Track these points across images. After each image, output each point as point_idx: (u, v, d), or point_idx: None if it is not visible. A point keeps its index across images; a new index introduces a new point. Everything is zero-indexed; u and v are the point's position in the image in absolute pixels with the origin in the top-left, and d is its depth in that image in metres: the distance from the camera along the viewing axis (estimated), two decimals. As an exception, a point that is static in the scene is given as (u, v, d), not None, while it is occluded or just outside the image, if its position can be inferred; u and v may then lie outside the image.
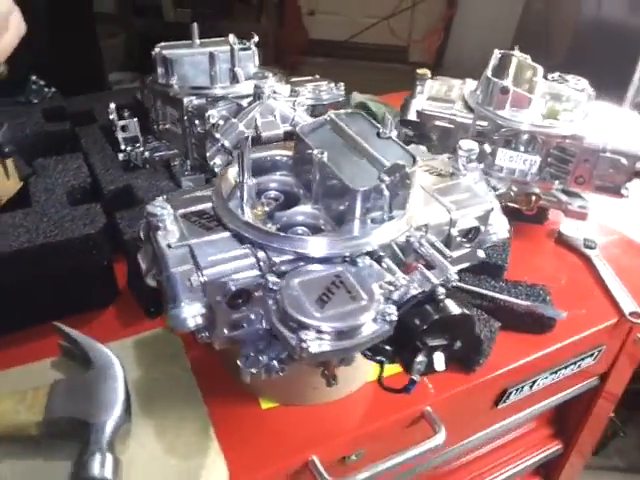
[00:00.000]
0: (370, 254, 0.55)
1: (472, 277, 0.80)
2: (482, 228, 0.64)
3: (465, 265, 0.67)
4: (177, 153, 0.89)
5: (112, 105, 0.88)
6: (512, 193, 0.89)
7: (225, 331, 0.55)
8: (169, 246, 0.54)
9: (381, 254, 0.56)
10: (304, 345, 0.47)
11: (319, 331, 0.48)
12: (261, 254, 0.54)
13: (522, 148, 0.90)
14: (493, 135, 0.89)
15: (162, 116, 0.90)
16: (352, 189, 0.55)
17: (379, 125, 0.63)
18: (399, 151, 0.59)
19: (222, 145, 0.76)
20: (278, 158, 0.65)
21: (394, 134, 0.62)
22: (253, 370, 0.56)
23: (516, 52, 0.93)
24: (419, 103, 0.94)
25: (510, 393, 0.83)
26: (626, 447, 1.89)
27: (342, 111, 0.66)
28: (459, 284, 0.79)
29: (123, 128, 0.89)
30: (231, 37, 0.85)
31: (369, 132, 0.62)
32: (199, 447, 0.56)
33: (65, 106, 0.99)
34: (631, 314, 0.82)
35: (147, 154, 0.87)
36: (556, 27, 2.51)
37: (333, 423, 0.67)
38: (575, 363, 0.87)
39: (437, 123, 0.92)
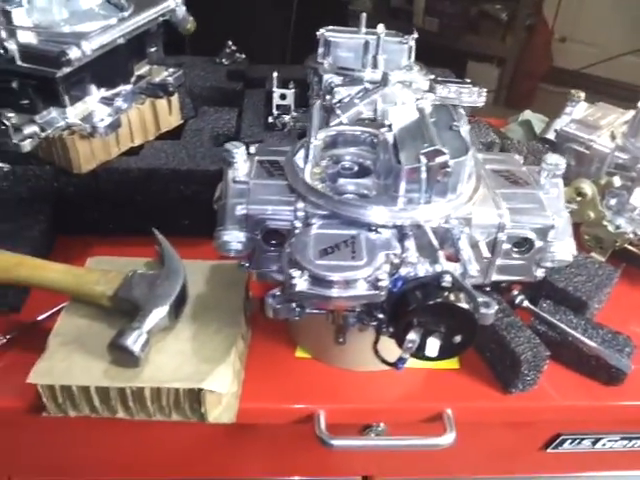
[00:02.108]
0: (399, 229, 0.58)
1: (550, 305, 0.76)
2: (538, 243, 0.62)
3: (515, 278, 0.66)
4: (315, 126, 0.98)
5: (275, 74, 1.01)
6: (632, 236, 0.81)
7: (262, 265, 0.63)
8: (234, 180, 0.64)
9: (408, 232, 0.58)
10: (293, 282, 0.52)
11: (311, 275, 0.53)
12: (300, 204, 0.60)
13: (664, 191, 0.81)
14: (632, 170, 0.83)
15: (315, 91, 1.00)
16: (396, 165, 0.58)
17: (456, 120, 0.64)
18: (459, 142, 0.61)
19: (340, 121, 0.84)
20: (364, 134, 0.70)
21: (465, 128, 0.63)
22: (277, 306, 0.63)
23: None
24: (562, 122, 0.90)
25: (564, 440, 0.77)
26: None
27: (433, 102, 0.68)
28: (529, 306, 0.76)
29: (282, 96, 1.01)
30: (380, 27, 0.91)
31: (445, 123, 0.65)
32: (217, 356, 0.65)
33: (247, 71, 1.15)
34: None
35: (291, 121, 0.98)
36: None
37: (352, 390, 0.71)
38: (657, 436, 0.77)
39: (574, 146, 0.88)
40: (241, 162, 0.65)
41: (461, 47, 3.38)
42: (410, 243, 0.57)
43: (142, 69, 0.91)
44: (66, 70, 0.73)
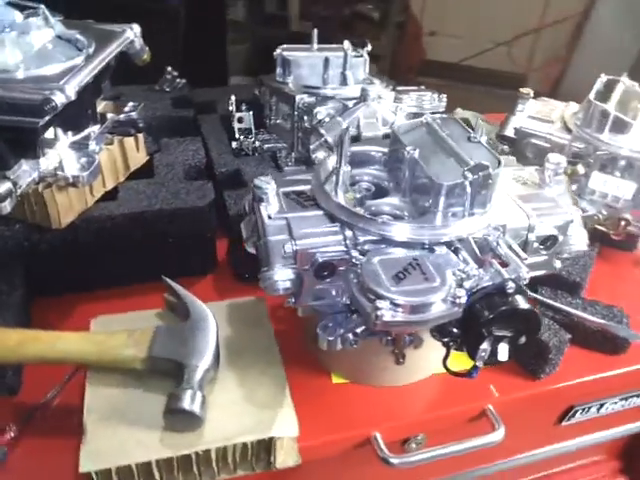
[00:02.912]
0: (448, 245, 0.60)
1: (549, 291, 0.82)
2: (560, 237, 0.66)
3: (541, 272, 0.70)
4: (284, 146, 0.98)
5: (232, 97, 0.99)
6: (600, 216, 0.90)
7: (309, 300, 0.62)
8: (269, 217, 0.62)
9: (458, 246, 0.60)
10: (379, 313, 0.52)
11: (393, 303, 0.53)
12: (348, 233, 0.60)
13: (618, 173, 0.90)
14: (589, 158, 0.91)
15: (275, 111, 0.99)
16: (437, 183, 0.60)
17: (470, 130, 0.67)
18: (486, 154, 0.63)
19: (325, 140, 0.84)
20: (373, 153, 0.71)
21: (484, 139, 0.66)
22: (330, 338, 0.62)
23: (624, 78, 0.93)
24: (518, 120, 0.96)
25: (576, 411, 0.83)
26: None
27: (438, 115, 0.71)
28: (535, 295, 0.81)
29: (239, 119, 0.99)
30: (346, 43, 0.92)
31: (461, 136, 0.67)
32: (275, 400, 0.63)
33: (191, 96, 1.11)
34: None
35: (257, 144, 0.96)
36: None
37: (397, 405, 0.71)
38: (649, 392, 0.86)
39: (533, 141, 0.95)
40: (272, 197, 0.63)
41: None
42: (465, 256, 0.59)
43: (99, 106, 0.84)
44: (47, 118, 0.67)
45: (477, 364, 0.58)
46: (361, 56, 0.98)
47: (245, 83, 3.31)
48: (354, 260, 0.58)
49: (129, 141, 0.85)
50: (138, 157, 0.88)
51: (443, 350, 0.69)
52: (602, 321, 0.77)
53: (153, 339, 0.64)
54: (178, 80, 1.11)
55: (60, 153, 0.75)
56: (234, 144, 0.98)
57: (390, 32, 3.56)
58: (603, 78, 0.94)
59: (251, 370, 0.66)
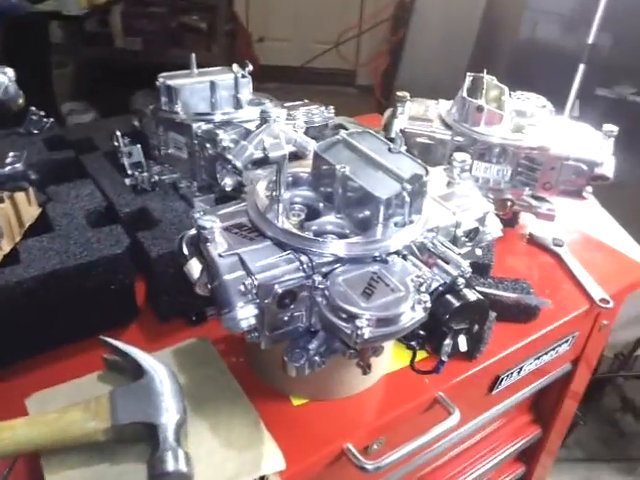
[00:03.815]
0: (396, 253, 0.63)
1: (464, 276, 0.89)
2: (481, 228, 0.73)
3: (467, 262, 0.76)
4: (182, 176, 0.94)
5: (118, 132, 0.93)
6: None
7: (271, 330, 0.62)
8: (220, 255, 0.60)
9: (405, 253, 0.63)
10: (359, 332, 0.54)
11: (368, 319, 0.55)
12: (303, 258, 0.60)
13: (494, 160, 1.00)
14: (469, 149, 1.00)
15: (164, 142, 0.96)
16: (377, 197, 0.62)
17: (388, 142, 0.71)
18: (411, 163, 0.68)
19: (234, 166, 0.83)
20: (300, 175, 0.72)
21: (403, 149, 0.70)
22: (297, 364, 0.62)
23: (485, 74, 1.04)
24: (401, 122, 1.03)
25: (502, 379, 0.92)
26: (585, 438, 2.03)
27: (353, 130, 0.74)
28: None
29: (129, 154, 0.94)
30: (235, 66, 0.92)
31: (380, 148, 0.71)
32: (253, 438, 0.62)
33: (64, 135, 1.03)
34: (600, 300, 0.93)
35: (157, 177, 0.92)
36: (497, 47, 2.71)
37: (360, 413, 0.74)
38: (554, 349, 0.97)
39: (418, 140, 1.02)
40: (218, 235, 0.61)
41: (168, 61, 3.40)
42: (415, 261, 0.62)
43: (-26, 161, 0.76)
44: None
45: (443, 359, 0.62)
46: (245, 77, 0.97)
47: (79, 110, 3.13)
48: (317, 284, 0.59)
49: (19, 196, 0.77)
50: (31, 211, 0.81)
51: (389, 352, 0.74)
52: (515, 295, 0.86)
53: (112, 406, 0.60)
54: (45, 120, 1.02)
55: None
56: (128, 181, 0.93)
57: (220, 42, 3.55)
58: (469, 76, 1.03)
59: (219, 414, 0.64)
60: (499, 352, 0.84)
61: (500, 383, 0.92)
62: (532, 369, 0.97)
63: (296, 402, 0.74)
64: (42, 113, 1.01)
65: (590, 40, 2.57)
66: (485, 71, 1.04)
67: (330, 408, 0.73)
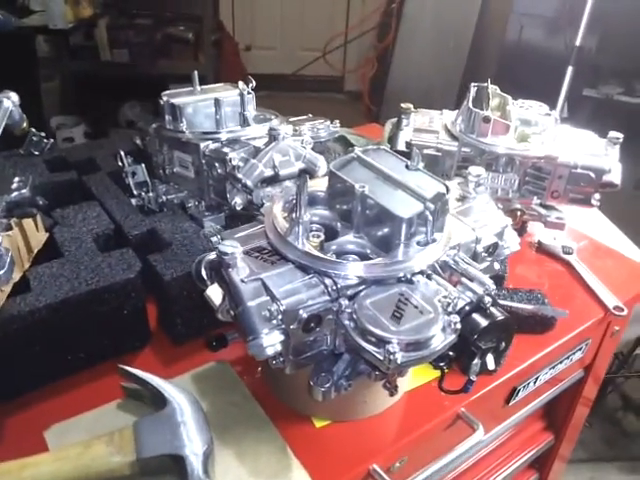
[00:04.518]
0: (421, 273, 0.62)
1: (478, 288, 0.88)
2: (500, 243, 0.72)
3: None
4: (189, 195, 0.93)
5: (122, 152, 0.92)
6: (499, 211, 0.99)
7: (296, 355, 0.60)
8: (242, 281, 0.59)
9: (429, 272, 0.63)
10: (392, 357, 0.52)
11: (399, 344, 0.54)
12: (328, 281, 0.59)
13: (501, 169, 1.00)
14: (476, 160, 0.99)
15: (169, 160, 0.94)
16: (399, 217, 0.62)
17: (405, 159, 0.70)
18: (431, 181, 0.67)
19: (244, 185, 0.82)
20: (315, 193, 0.71)
21: (421, 166, 0.69)
22: (323, 388, 0.61)
23: (490, 85, 1.03)
24: (407, 134, 1.02)
25: (519, 391, 0.91)
26: (589, 438, 2.03)
27: (368, 147, 0.73)
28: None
29: (133, 174, 0.93)
30: (241, 84, 0.91)
31: (397, 165, 0.70)
32: (281, 466, 0.60)
33: (65, 156, 1.01)
34: (614, 308, 0.93)
35: (164, 198, 0.90)
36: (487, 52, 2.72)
37: (384, 433, 0.73)
38: (568, 357, 0.97)
39: (425, 152, 1.01)
40: (240, 260, 0.60)
41: (157, 72, 3.39)
42: (440, 280, 0.62)
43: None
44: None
45: (471, 378, 0.61)
46: (249, 93, 0.96)
47: (68, 124, 3.10)
48: (344, 307, 0.58)
49: (28, 222, 0.75)
50: (38, 236, 0.79)
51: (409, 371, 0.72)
52: (532, 306, 0.85)
53: (137, 438, 0.58)
54: (45, 141, 1.00)
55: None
56: (134, 201, 0.91)
57: (207, 51, 3.53)
58: (473, 86, 1.03)
59: (245, 441, 0.63)
60: (517, 365, 0.84)
61: (517, 394, 0.91)
62: (547, 378, 0.96)
63: (318, 424, 0.72)
64: (42, 134, 0.99)
65: (577, 42, 2.60)
66: (489, 80, 1.04)
67: (353, 428, 0.72)
